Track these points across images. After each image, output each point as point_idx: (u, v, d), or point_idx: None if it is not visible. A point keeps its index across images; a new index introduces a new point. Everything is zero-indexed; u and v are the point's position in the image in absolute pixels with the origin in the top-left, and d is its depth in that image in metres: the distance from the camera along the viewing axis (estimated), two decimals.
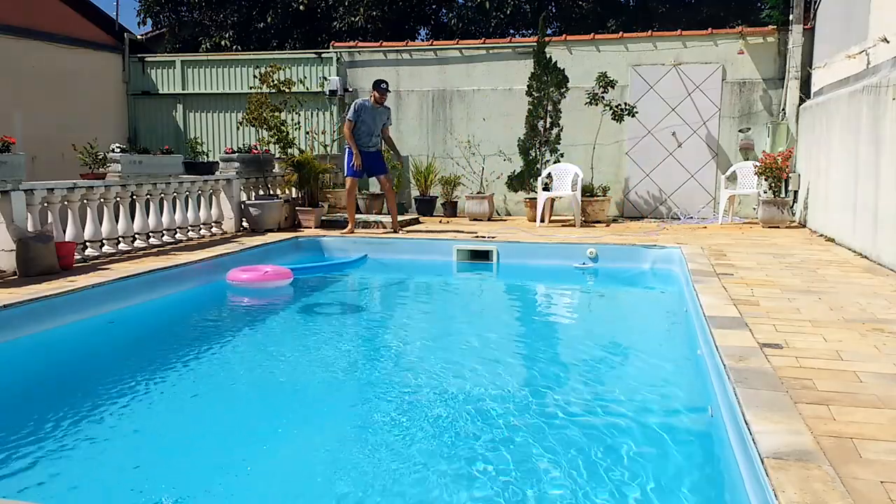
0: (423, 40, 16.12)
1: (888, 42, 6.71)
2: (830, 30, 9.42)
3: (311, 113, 12.07)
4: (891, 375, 3.29)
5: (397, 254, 8.34)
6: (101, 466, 3.18)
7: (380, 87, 8.83)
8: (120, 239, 7.33)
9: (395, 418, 3.64)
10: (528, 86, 10.62)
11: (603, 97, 10.30)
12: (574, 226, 9.82)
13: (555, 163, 10.45)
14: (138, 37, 13.79)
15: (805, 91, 10.21)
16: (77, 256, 6.58)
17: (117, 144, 8.19)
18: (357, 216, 9.93)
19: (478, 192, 11.01)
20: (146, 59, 13.18)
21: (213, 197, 9.08)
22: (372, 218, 9.79)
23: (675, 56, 10.90)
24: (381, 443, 3.33)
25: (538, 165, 10.52)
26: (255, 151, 9.85)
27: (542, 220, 10.11)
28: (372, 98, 8.84)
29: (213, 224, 8.96)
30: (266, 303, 6.52)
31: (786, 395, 2.98)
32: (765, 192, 9.74)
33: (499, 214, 11.56)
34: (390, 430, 3.49)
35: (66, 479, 3.05)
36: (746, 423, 2.69)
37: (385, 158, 9.53)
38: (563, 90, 10.41)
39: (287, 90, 10.18)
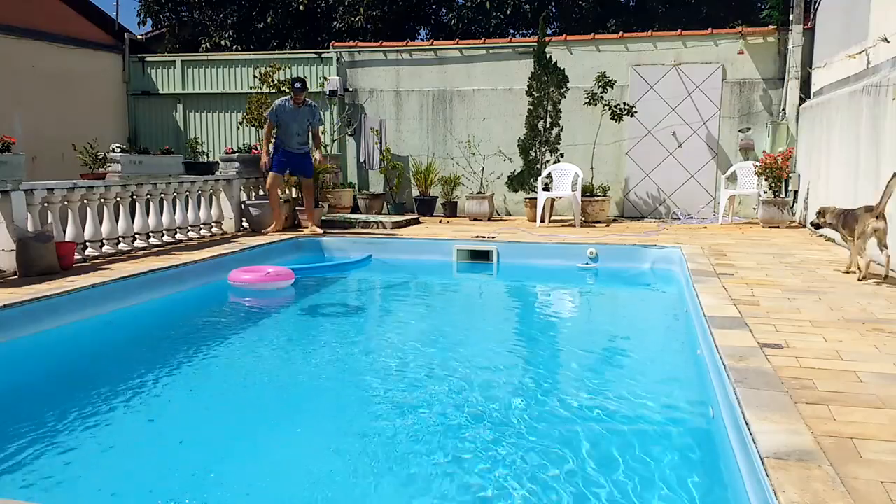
0: (423, 40, 16.12)
1: (888, 42, 6.71)
2: (830, 30, 9.43)
3: None
4: (891, 375, 3.29)
5: (397, 254, 8.34)
6: (99, 467, 3.18)
7: (293, 86, 8.65)
8: (120, 239, 7.33)
9: (398, 418, 3.64)
10: (528, 86, 10.62)
11: (602, 97, 10.31)
12: (574, 226, 9.82)
13: (555, 163, 10.45)
14: (138, 37, 13.79)
15: (805, 91, 10.21)
16: (77, 256, 6.58)
17: (117, 144, 8.19)
18: (357, 216, 9.94)
19: (478, 192, 11.01)
20: (146, 58, 13.18)
21: (213, 197, 9.08)
22: (372, 218, 9.79)
23: (675, 56, 10.91)
24: (383, 443, 3.34)
25: (538, 165, 10.52)
26: (255, 151, 9.86)
27: (542, 220, 10.12)
28: (291, 98, 8.73)
29: (213, 224, 8.96)
30: (267, 304, 6.51)
31: (786, 395, 2.98)
32: (765, 192, 9.74)
33: (499, 214, 11.57)
34: (393, 430, 3.49)
35: (65, 479, 3.05)
36: (746, 423, 2.69)
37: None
38: (563, 90, 10.42)
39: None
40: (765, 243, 7.91)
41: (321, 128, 9.05)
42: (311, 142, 9.01)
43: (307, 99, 8.85)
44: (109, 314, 5.50)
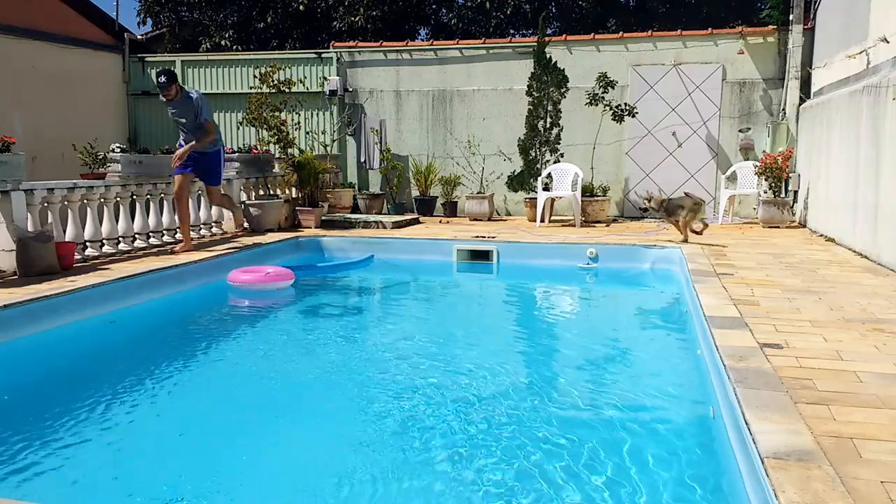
0: (423, 40, 16.12)
1: (888, 42, 6.71)
2: (830, 30, 9.43)
3: (311, 113, 12.07)
4: (891, 375, 3.29)
5: (397, 254, 8.33)
6: (99, 465, 3.18)
7: (157, 80, 7.29)
8: (120, 239, 7.32)
9: (399, 417, 3.64)
10: (528, 86, 10.62)
11: (603, 97, 10.30)
12: (574, 226, 9.81)
13: (555, 163, 10.45)
14: (138, 37, 13.80)
15: (805, 91, 10.21)
16: (77, 256, 6.58)
17: (117, 144, 8.19)
18: (357, 216, 9.93)
19: (478, 192, 11.01)
20: (146, 58, 13.18)
21: None
22: (372, 218, 9.79)
23: (675, 56, 10.90)
24: (383, 441, 3.34)
25: (538, 165, 10.52)
26: (255, 151, 9.86)
27: (543, 220, 10.11)
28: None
29: (213, 224, 8.96)
30: (267, 304, 6.51)
31: (786, 395, 2.98)
32: (765, 192, 9.74)
33: (499, 214, 11.56)
34: (393, 428, 3.49)
35: (65, 478, 3.05)
36: (746, 423, 2.69)
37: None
38: (563, 90, 10.42)
39: (287, 90, 10.17)
40: (765, 243, 7.91)
41: (212, 121, 7.49)
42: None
43: (186, 89, 7.43)
44: (109, 314, 5.50)
